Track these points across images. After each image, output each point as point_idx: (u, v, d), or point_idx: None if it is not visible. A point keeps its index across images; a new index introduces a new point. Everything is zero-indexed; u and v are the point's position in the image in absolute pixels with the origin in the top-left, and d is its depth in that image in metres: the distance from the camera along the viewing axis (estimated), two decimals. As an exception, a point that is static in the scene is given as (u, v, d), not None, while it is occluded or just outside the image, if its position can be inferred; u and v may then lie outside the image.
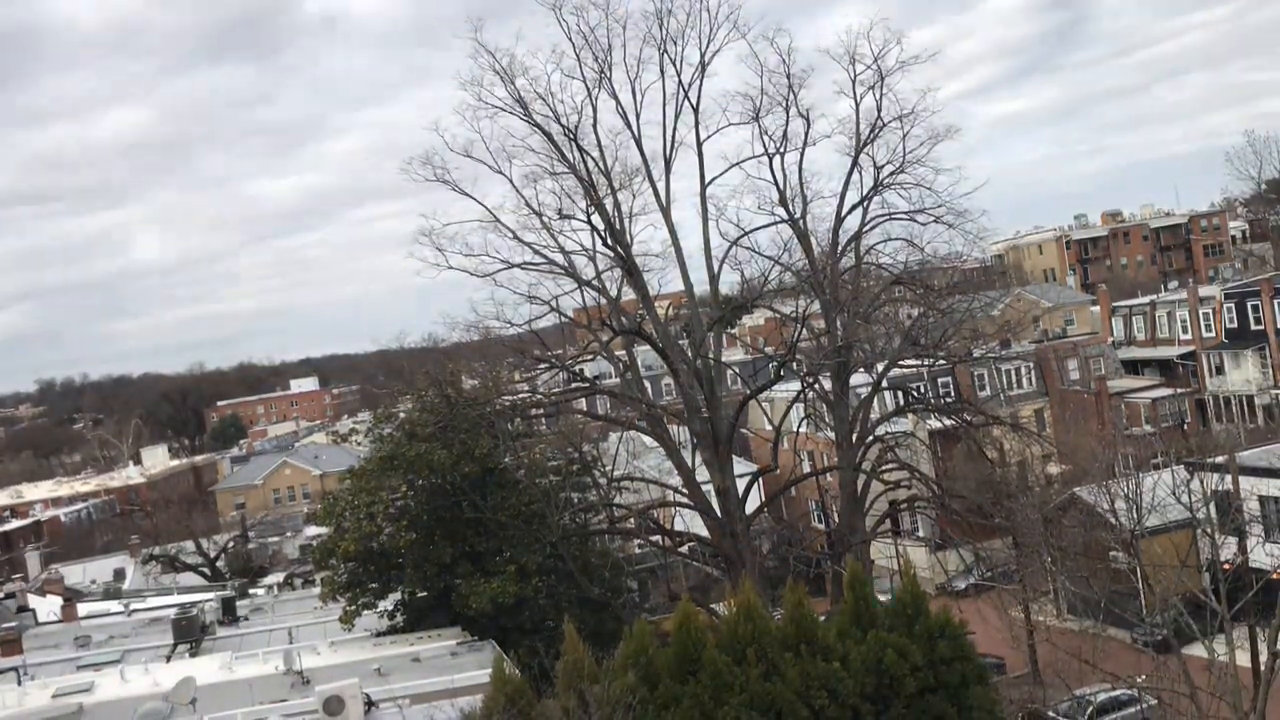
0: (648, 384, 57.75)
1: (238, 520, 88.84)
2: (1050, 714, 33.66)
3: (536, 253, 39.28)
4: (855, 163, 39.65)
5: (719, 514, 39.25)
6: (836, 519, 45.12)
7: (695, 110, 39.56)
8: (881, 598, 26.43)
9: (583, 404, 53.92)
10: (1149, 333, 79.90)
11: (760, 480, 48.55)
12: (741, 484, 40.74)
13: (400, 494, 36.30)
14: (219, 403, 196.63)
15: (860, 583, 24.36)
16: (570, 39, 38.47)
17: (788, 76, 38.93)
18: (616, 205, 39.65)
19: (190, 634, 37.38)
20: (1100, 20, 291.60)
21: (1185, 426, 61.97)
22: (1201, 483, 30.48)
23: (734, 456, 43.34)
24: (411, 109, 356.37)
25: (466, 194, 39.42)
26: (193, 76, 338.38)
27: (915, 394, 50.34)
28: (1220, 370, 70.72)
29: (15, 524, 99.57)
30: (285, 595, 53.79)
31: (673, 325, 44.81)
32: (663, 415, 43.93)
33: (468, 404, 37.70)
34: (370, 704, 24.68)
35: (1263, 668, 26.87)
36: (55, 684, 30.64)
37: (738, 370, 53.22)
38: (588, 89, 38.92)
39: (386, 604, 36.83)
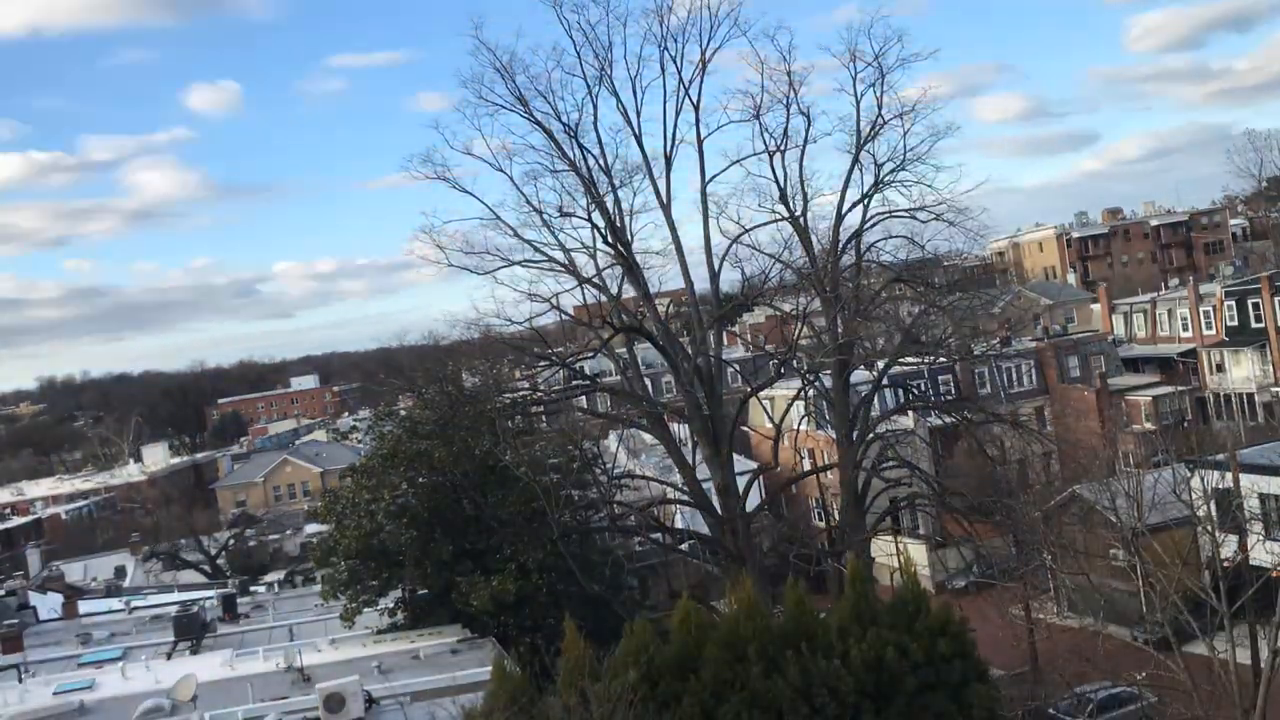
0: (648, 381, 57.77)
1: (242, 516, 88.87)
2: (1050, 711, 33.66)
3: (537, 250, 39.37)
4: (856, 160, 39.62)
5: (719, 511, 39.26)
6: (837, 516, 45.16)
7: (696, 108, 39.58)
8: None
9: (583, 401, 53.99)
10: (1149, 330, 79.91)
11: (761, 478, 48.63)
12: (742, 481, 40.77)
13: (401, 491, 36.35)
14: (219, 400, 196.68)
15: (861, 580, 24.38)
16: (571, 36, 38.53)
17: (788, 74, 38.95)
18: (617, 203, 39.68)
19: (191, 631, 37.43)
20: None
21: (1185, 424, 61.92)
22: (1202, 480, 30.47)
23: (734, 454, 43.36)
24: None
25: (467, 191, 39.55)
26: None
27: (916, 391, 50.38)
28: (1221, 368, 70.70)
29: (16, 521, 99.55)
30: (286, 593, 53.85)
31: (673, 322, 44.89)
32: (663, 413, 43.94)
33: (468, 401, 37.73)
34: (371, 701, 24.71)
35: (1263, 666, 26.87)
36: (56, 681, 30.70)
37: (738, 368, 53.26)
38: (588, 86, 38.99)
39: (387, 601, 36.88)
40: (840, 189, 39.86)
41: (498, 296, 38.93)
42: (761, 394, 44.82)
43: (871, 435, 41.45)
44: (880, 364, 42.98)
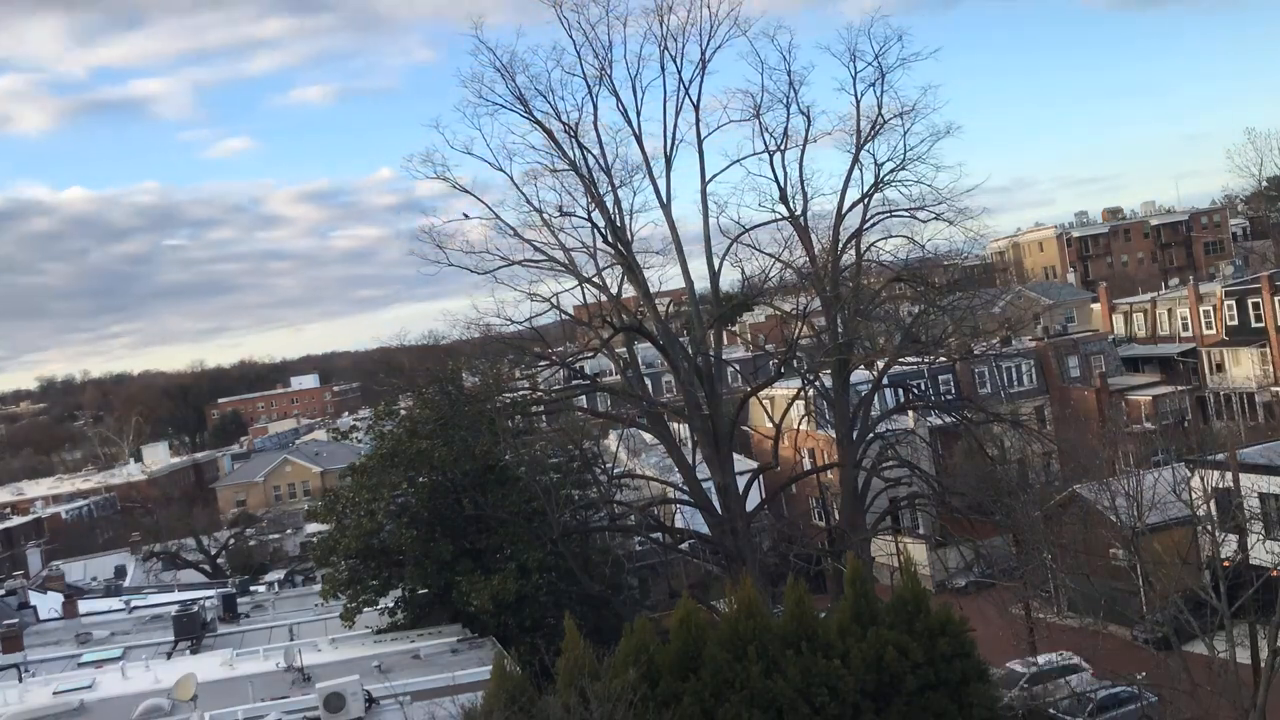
0: (648, 381, 57.72)
1: (242, 515, 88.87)
2: (1050, 711, 33.66)
3: (537, 250, 39.36)
4: (856, 160, 39.64)
5: (719, 511, 39.25)
6: (837, 516, 45.13)
7: (696, 107, 39.58)
8: None
9: (583, 401, 53.99)
10: (1149, 330, 79.86)
11: (761, 477, 48.62)
12: (742, 481, 40.76)
13: (401, 491, 36.34)
14: (220, 400, 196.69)
15: (861, 580, 24.37)
16: (571, 36, 38.52)
17: (788, 73, 38.96)
18: (617, 202, 39.66)
19: (191, 631, 37.42)
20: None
21: (1185, 423, 61.93)
22: (1202, 480, 30.48)
23: (734, 454, 43.33)
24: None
25: (467, 191, 39.55)
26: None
27: (916, 391, 50.36)
28: (1221, 367, 70.70)
29: (16, 521, 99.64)
30: (286, 592, 53.85)
31: (673, 322, 44.81)
32: (663, 412, 43.92)
33: (469, 401, 37.72)
34: (371, 701, 24.70)
35: (1263, 665, 26.87)
36: (56, 681, 30.69)
37: (738, 367, 53.29)
38: (588, 86, 38.97)
39: (387, 601, 36.86)
40: (840, 188, 39.92)
41: (498, 296, 38.99)
42: (761, 394, 44.80)
43: (871, 435, 41.45)
44: (880, 364, 42.95)
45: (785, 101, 39.15)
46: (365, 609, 36.12)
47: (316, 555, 39.71)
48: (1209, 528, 30.63)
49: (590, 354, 43.00)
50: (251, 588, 56.89)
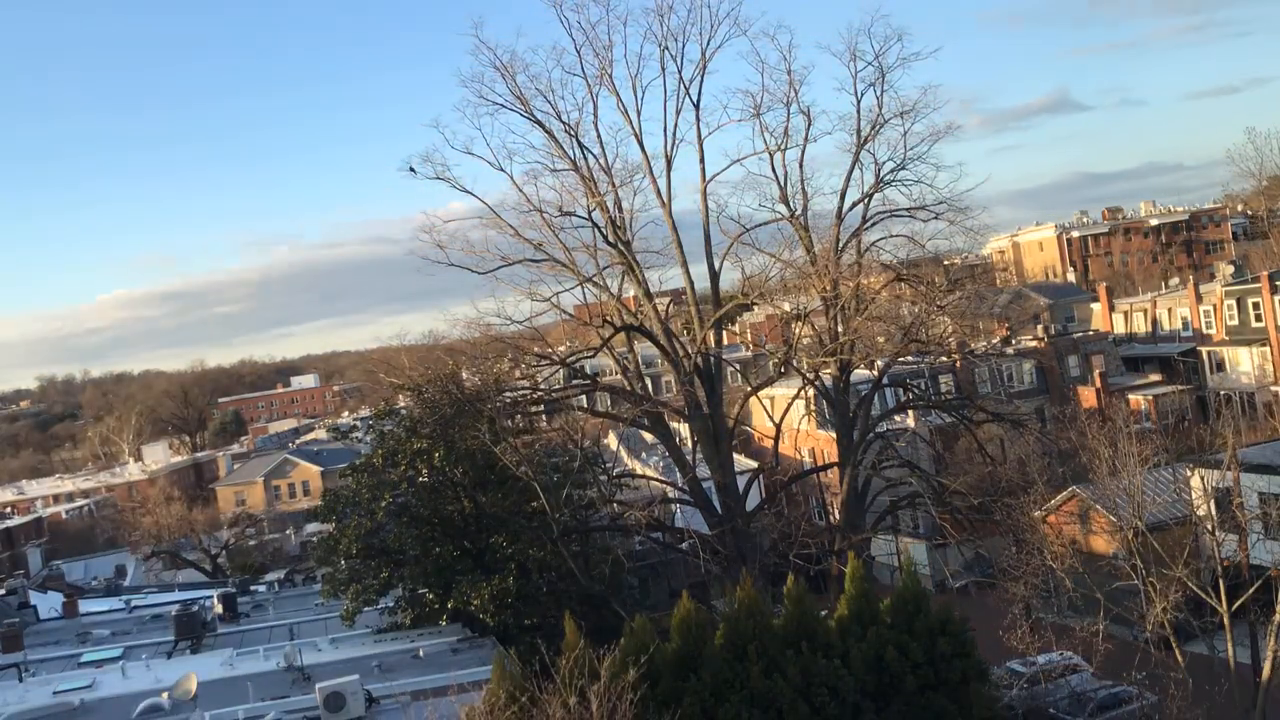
0: (648, 380, 57.74)
1: (242, 515, 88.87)
2: (1051, 711, 33.65)
3: (538, 249, 39.35)
4: (856, 159, 39.71)
5: (719, 511, 39.26)
6: (837, 516, 45.13)
7: (696, 107, 39.62)
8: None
9: (583, 401, 53.98)
10: (1150, 329, 79.84)
11: (761, 477, 48.62)
12: (742, 481, 40.75)
13: (401, 491, 36.36)
14: (220, 399, 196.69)
15: (861, 580, 24.38)
16: (571, 35, 38.61)
17: (788, 73, 39.03)
18: (617, 202, 39.68)
19: (191, 631, 37.40)
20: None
21: (1186, 423, 61.87)
22: (1202, 480, 30.44)
23: (734, 453, 43.33)
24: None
25: (468, 191, 39.59)
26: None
27: (916, 391, 50.35)
28: (1221, 367, 70.69)
29: (17, 520, 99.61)
30: (286, 592, 53.83)
31: (673, 321, 44.82)
32: (663, 412, 43.92)
33: (469, 400, 37.73)
34: (371, 700, 24.70)
35: (1263, 665, 26.87)
36: (56, 681, 30.69)
37: (738, 367, 53.25)
38: (588, 86, 39.01)
39: (388, 600, 36.88)
40: (841, 188, 39.94)
41: (498, 295, 39.01)
42: (761, 394, 44.78)
43: (872, 434, 41.43)
44: (880, 363, 42.96)
45: (785, 101, 39.26)
46: (365, 609, 36.13)
47: (317, 555, 39.71)
48: (1209, 528, 30.59)
49: (590, 353, 43.01)
50: (251, 587, 56.87)
